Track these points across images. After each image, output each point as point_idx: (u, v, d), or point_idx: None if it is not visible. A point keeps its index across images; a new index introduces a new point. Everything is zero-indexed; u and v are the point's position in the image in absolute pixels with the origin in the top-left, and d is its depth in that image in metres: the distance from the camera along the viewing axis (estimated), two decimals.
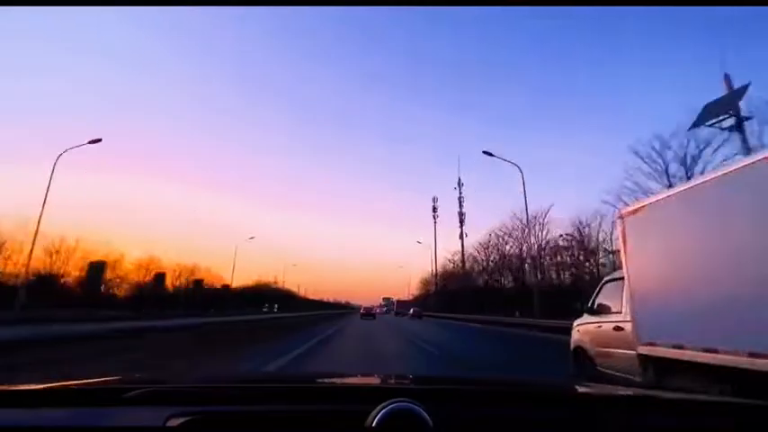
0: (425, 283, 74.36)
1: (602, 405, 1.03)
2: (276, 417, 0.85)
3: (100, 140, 22.76)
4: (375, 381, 1.55)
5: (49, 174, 21.68)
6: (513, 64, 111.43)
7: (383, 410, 0.73)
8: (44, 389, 0.96)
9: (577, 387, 1.36)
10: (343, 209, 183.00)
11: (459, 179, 56.45)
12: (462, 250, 53.33)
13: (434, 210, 63.45)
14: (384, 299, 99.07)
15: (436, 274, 61.23)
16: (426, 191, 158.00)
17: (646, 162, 24.38)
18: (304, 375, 2.46)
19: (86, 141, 22.55)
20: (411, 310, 46.58)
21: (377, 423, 0.71)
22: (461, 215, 54.60)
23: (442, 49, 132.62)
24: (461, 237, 53.46)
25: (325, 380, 1.57)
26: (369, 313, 36.77)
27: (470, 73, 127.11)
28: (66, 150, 21.94)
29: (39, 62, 74.62)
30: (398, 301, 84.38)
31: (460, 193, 55.73)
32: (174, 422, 0.77)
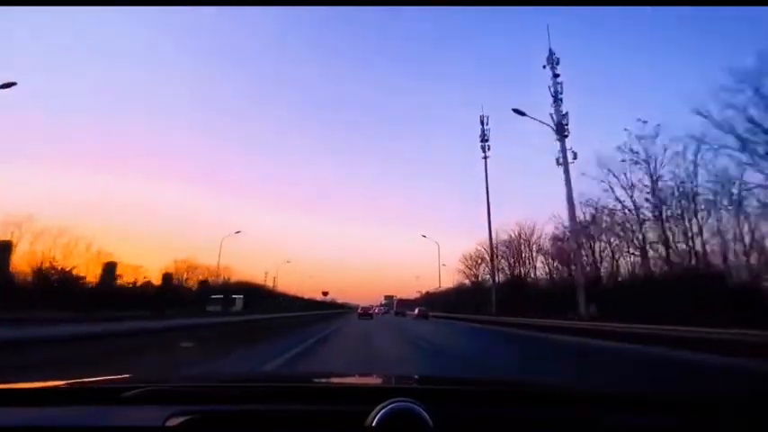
0: (471, 262, 45.32)
1: (602, 405, 1.03)
2: (276, 416, 0.85)
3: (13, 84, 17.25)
4: (375, 381, 1.56)
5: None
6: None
7: (383, 410, 0.73)
8: (44, 388, 0.96)
9: (577, 387, 1.36)
10: (344, 208, 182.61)
11: (551, 51, 25.46)
12: (569, 195, 22.90)
13: (484, 138, 32.71)
14: (386, 297, 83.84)
15: (492, 247, 33.30)
16: (428, 191, 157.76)
17: None
18: (304, 375, 2.47)
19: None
20: (416, 310, 39.62)
21: (377, 423, 0.72)
22: (560, 118, 24.07)
23: (449, 40, 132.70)
24: (563, 160, 22.99)
25: (325, 380, 1.57)
26: (366, 313, 35.32)
27: (473, 68, 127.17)
28: None
29: (37, 62, 74.40)
30: (399, 300, 73.99)
31: (554, 72, 25.10)
32: (173, 422, 0.77)
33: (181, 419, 0.77)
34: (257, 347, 8.18)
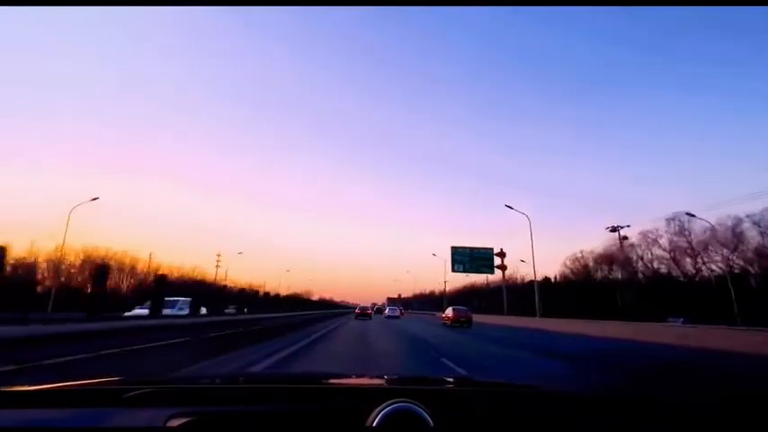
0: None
1: (602, 405, 1.03)
2: (276, 417, 0.85)
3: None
4: (375, 381, 1.55)
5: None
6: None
7: (383, 410, 0.73)
8: (44, 389, 0.96)
9: (577, 388, 1.36)
10: (350, 209, 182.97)
11: None
12: None
13: None
14: (390, 299, 59.24)
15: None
16: (431, 191, 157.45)
17: None
18: (304, 375, 2.46)
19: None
20: (449, 311, 23.65)
21: (377, 423, 0.72)
22: None
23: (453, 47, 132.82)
24: None
25: (326, 380, 1.57)
26: (363, 313, 33.81)
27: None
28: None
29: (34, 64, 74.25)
30: (389, 299, 60.86)
31: None
32: (174, 423, 0.77)
33: (181, 420, 0.77)
34: None
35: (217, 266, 50.93)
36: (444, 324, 22.83)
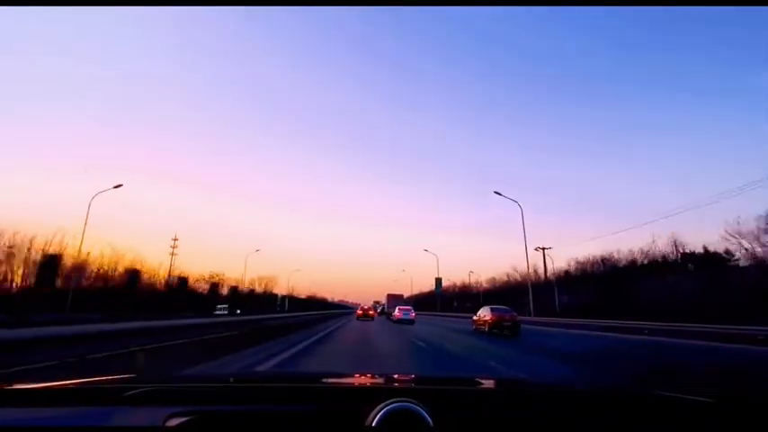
0: None
1: (601, 405, 1.03)
2: (276, 416, 0.85)
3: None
4: (375, 381, 1.55)
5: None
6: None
7: (383, 410, 0.73)
8: (44, 388, 0.96)
9: (577, 387, 1.35)
10: (348, 208, 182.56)
11: None
12: None
13: None
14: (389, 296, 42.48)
15: None
16: (429, 190, 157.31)
17: None
18: (304, 375, 2.46)
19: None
20: (486, 313, 15.85)
21: (377, 422, 0.72)
22: None
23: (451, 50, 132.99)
24: None
25: (325, 380, 1.56)
26: (366, 314, 30.38)
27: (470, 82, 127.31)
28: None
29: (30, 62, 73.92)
30: (389, 296, 43.45)
31: None
32: (172, 422, 0.77)
33: (180, 419, 0.77)
34: None
35: (172, 254, 40.31)
36: (478, 330, 16.00)
